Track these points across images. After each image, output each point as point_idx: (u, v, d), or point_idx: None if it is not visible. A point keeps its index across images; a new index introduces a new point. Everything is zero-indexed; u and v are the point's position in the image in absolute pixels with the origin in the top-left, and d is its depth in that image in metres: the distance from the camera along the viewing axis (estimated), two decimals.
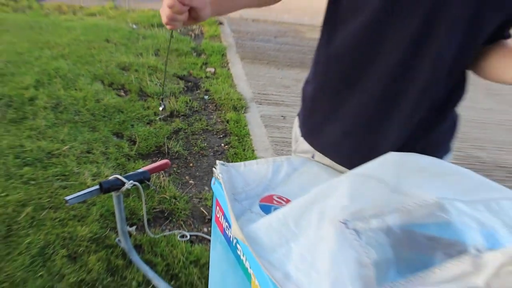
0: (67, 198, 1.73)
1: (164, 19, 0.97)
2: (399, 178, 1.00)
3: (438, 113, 1.15)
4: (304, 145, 1.29)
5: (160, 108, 1.47)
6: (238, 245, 0.98)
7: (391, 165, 1.03)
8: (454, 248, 0.91)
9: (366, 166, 1.02)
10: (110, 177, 1.83)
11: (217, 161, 1.10)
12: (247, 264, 0.94)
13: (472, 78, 1.18)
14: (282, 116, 3.99)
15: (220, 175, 1.07)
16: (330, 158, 1.23)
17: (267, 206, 1.03)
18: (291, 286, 0.81)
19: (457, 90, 1.15)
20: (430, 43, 1.02)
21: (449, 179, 1.04)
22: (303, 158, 1.26)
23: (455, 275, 0.81)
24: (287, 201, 1.07)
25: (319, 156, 1.25)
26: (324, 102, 1.20)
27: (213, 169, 1.10)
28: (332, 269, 0.80)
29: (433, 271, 0.83)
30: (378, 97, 1.10)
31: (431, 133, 1.17)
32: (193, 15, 0.98)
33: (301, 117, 1.32)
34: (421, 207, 0.94)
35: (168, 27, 0.99)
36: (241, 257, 0.97)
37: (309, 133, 1.28)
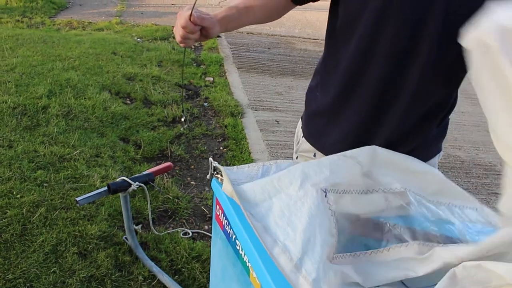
0: (78, 199, 1.72)
1: (178, 38, 0.98)
2: (371, 165, 1.02)
3: (430, 119, 1.17)
4: (306, 145, 1.30)
5: (182, 119, 1.46)
6: (237, 241, 0.98)
7: (368, 154, 1.05)
8: (407, 234, 0.92)
9: (348, 151, 1.05)
10: (118, 179, 1.82)
11: (211, 159, 1.09)
12: (245, 258, 0.93)
13: None
14: (276, 121, 3.98)
15: (215, 165, 1.08)
16: None
17: None
18: (268, 237, 0.82)
19: (447, 99, 1.16)
20: (417, 54, 1.03)
21: (418, 177, 1.05)
22: (291, 161, 1.26)
23: (399, 258, 0.82)
24: None
25: (319, 155, 1.26)
26: (327, 108, 1.21)
27: (210, 159, 1.10)
28: (307, 230, 0.82)
29: (380, 250, 0.84)
30: (374, 103, 1.12)
31: (422, 136, 1.18)
32: (204, 34, 1.00)
33: (304, 120, 1.33)
34: (385, 193, 0.96)
35: (181, 45, 1.00)
36: (240, 251, 0.96)
37: (311, 134, 1.29)
